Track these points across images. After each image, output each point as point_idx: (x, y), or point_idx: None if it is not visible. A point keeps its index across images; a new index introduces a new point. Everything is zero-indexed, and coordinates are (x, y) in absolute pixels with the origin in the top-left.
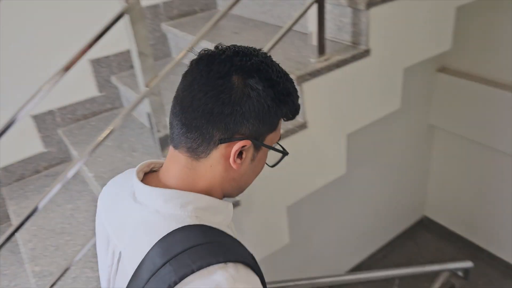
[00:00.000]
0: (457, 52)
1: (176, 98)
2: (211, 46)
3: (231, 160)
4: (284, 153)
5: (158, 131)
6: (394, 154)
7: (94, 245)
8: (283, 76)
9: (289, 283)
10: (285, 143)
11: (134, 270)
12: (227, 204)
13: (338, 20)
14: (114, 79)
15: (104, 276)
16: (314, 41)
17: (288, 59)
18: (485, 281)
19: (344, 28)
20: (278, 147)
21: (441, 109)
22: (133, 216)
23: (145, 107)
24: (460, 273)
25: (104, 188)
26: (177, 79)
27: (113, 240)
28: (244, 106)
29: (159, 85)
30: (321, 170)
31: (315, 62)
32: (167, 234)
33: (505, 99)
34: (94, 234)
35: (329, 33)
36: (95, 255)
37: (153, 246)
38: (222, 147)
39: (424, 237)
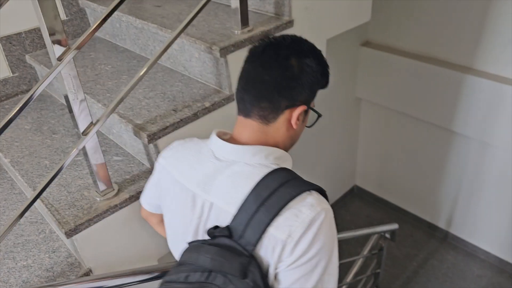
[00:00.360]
0: (380, 26)
1: (245, 78)
2: (134, 21)
3: (293, 122)
4: (319, 115)
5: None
6: (324, 126)
7: (16, 234)
8: (322, 55)
9: None
10: (215, 114)
11: (234, 210)
12: (289, 155)
13: None
14: (28, 58)
15: (191, 228)
16: (238, 12)
17: (212, 31)
18: (411, 241)
19: None
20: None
21: (366, 82)
22: (223, 172)
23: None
24: (387, 235)
25: (165, 160)
26: (97, 56)
27: (200, 196)
28: (303, 79)
29: (74, 61)
30: None
31: (239, 34)
32: (263, 177)
33: (425, 71)
34: (13, 222)
35: (252, 5)
36: (16, 245)
37: (251, 191)
38: (286, 112)
39: (356, 205)
